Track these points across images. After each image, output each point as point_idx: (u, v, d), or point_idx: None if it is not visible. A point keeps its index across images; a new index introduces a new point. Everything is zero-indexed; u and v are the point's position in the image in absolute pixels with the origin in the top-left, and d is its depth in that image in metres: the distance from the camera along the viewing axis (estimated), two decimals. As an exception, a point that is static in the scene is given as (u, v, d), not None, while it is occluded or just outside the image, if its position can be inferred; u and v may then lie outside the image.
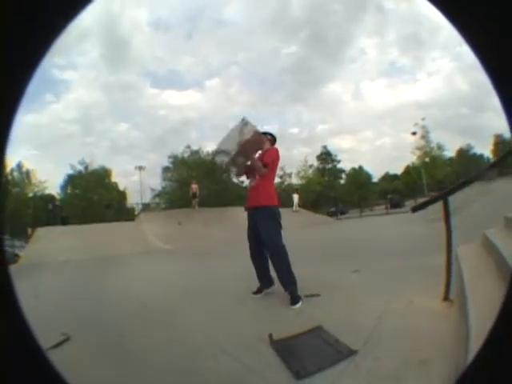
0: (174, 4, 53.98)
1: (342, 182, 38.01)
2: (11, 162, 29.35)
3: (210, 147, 29.36)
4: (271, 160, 2.79)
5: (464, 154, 38.84)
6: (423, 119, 25.91)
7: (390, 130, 50.77)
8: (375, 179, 39.11)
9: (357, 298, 2.38)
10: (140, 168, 29.54)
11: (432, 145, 27.26)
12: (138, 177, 29.79)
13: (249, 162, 2.79)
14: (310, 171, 33.57)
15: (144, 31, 48.59)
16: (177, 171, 27.28)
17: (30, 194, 27.76)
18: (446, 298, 1.94)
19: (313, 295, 2.51)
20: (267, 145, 2.92)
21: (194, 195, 14.47)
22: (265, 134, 2.98)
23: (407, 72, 49.22)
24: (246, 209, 2.94)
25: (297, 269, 2.54)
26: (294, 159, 39.59)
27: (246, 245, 2.82)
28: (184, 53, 54.34)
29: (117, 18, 45.14)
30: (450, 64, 51.56)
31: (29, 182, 29.15)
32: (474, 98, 43.40)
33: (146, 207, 24.21)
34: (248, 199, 2.89)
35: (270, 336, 1.78)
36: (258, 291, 2.78)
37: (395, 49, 42.80)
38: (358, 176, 37.10)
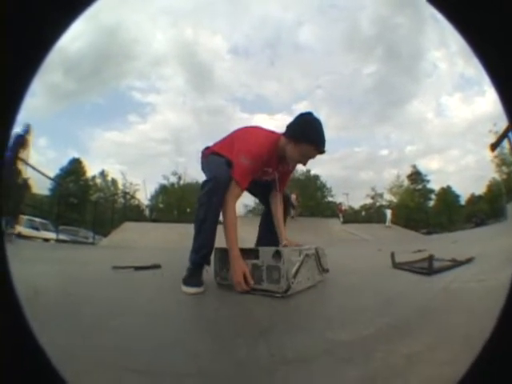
0: (247, 31, 55.26)
1: (431, 203, 34.91)
2: (91, 173, 31.16)
3: (304, 167, 31.16)
4: None
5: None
6: (495, 124, 20.61)
7: (474, 146, 42.05)
8: (462, 201, 34.52)
9: None
10: (235, 186, 30.97)
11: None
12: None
13: None
14: (403, 189, 32.56)
15: (225, 59, 49.41)
16: (272, 189, 29.23)
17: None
18: None
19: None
20: None
21: (293, 205, 14.31)
22: None
23: (475, 83, 39.82)
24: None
25: None
26: (386, 181, 36.45)
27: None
28: (269, 78, 53.92)
29: (192, 46, 45.81)
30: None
31: (115, 189, 30.46)
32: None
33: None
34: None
35: (392, 255, 2.15)
36: None
37: (460, 59, 35.75)
38: (447, 196, 33.71)
